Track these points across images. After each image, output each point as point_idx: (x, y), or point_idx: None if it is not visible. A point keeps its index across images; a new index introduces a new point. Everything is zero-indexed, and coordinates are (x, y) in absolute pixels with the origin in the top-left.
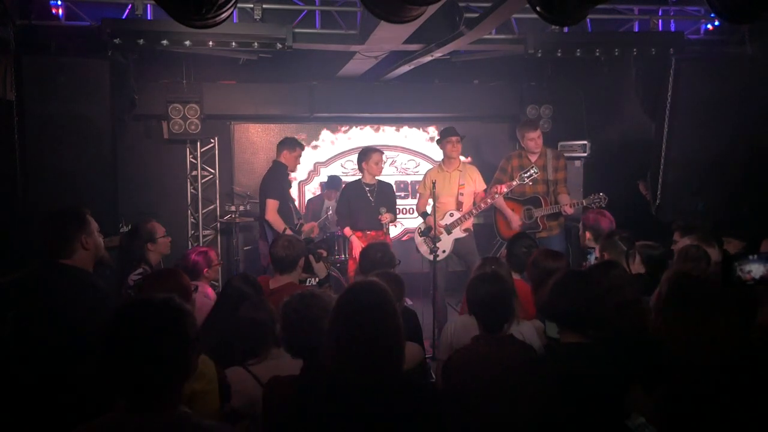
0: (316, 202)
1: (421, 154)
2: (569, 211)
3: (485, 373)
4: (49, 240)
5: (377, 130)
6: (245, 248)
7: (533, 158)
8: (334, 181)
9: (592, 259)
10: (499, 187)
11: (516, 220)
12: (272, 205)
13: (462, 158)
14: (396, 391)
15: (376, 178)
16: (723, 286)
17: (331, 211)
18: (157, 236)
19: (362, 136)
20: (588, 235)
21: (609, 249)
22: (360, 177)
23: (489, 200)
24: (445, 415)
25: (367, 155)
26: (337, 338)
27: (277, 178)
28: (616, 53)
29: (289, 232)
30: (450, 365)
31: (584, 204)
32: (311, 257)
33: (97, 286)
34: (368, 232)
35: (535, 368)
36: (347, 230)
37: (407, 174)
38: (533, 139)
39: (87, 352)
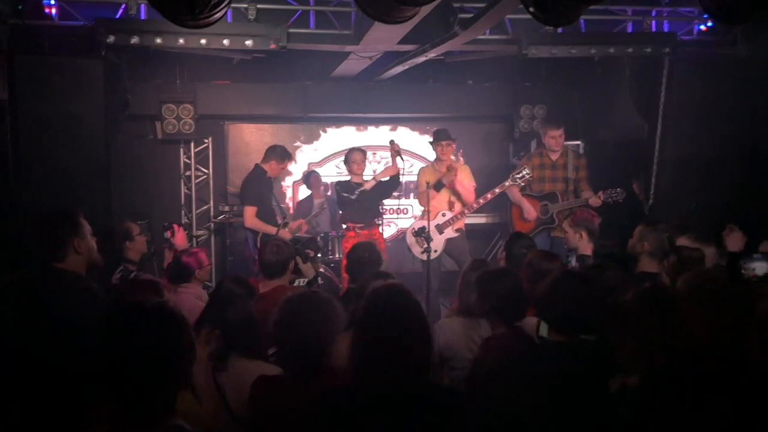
0: (306, 203)
1: (416, 154)
2: (597, 202)
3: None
4: (42, 243)
5: (372, 130)
6: (238, 248)
7: (554, 156)
8: (307, 176)
9: (573, 260)
10: (492, 191)
11: (532, 211)
12: (249, 212)
13: (453, 158)
14: (423, 396)
15: (365, 177)
16: (729, 282)
17: (325, 206)
18: (134, 234)
19: (356, 136)
20: (583, 234)
21: (650, 239)
22: (349, 178)
23: (482, 200)
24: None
25: (348, 156)
26: (365, 342)
27: (253, 182)
28: (610, 54)
29: (282, 232)
30: (480, 372)
31: (602, 198)
32: (298, 258)
33: (91, 290)
34: (361, 232)
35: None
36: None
37: (401, 174)
38: (554, 137)
39: (82, 356)
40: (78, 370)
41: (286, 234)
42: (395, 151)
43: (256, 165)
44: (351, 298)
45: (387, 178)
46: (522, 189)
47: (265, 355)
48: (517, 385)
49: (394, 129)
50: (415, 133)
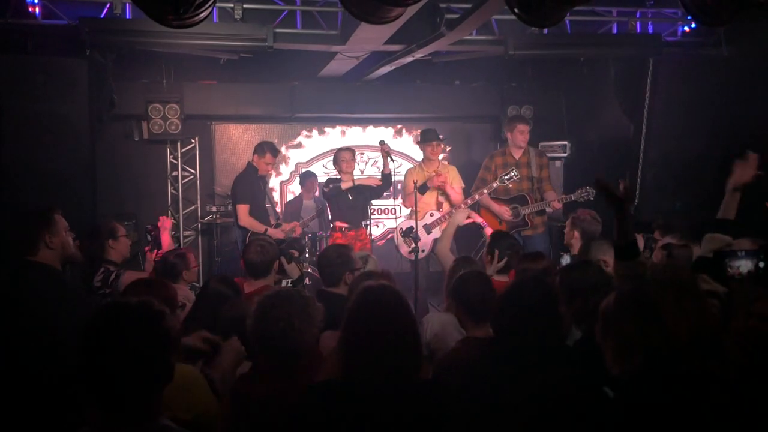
0: (294, 203)
1: (403, 154)
2: (558, 206)
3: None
4: (16, 239)
5: (359, 130)
6: (226, 249)
7: (517, 155)
8: (305, 176)
9: (567, 259)
10: (480, 191)
11: (506, 213)
12: (243, 210)
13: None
14: (414, 394)
15: (354, 178)
16: (711, 268)
17: (321, 209)
18: (119, 234)
19: (343, 136)
20: (576, 234)
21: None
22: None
23: (469, 201)
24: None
25: (336, 155)
26: (355, 343)
27: (244, 180)
28: (595, 54)
29: (271, 231)
30: (441, 368)
31: (572, 198)
32: (283, 258)
33: (63, 281)
34: (348, 233)
35: None
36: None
37: (392, 174)
38: (523, 132)
39: (58, 347)
40: (51, 357)
41: (277, 233)
42: (385, 152)
43: (248, 163)
44: (321, 299)
45: (371, 184)
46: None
47: None
48: (481, 388)
49: (391, 128)
50: (403, 133)
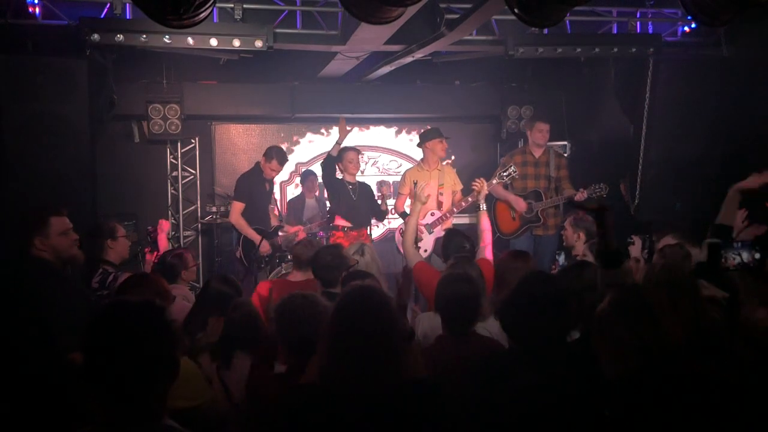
0: (297, 202)
1: (403, 154)
2: (581, 197)
3: (451, 372)
4: (15, 237)
5: (359, 130)
6: (226, 249)
7: (537, 154)
8: (305, 175)
9: (561, 260)
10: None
11: (521, 203)
12: (236, 207)
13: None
14: (399, 393)
15: (357, 178)
16: (710, 272)
17: (319, 221)
18: (118, 234)
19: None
20: (581, 234)
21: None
22: (342, 176)
23: (470, 199)
24: None
25: (341, 155)
26: (336, 345)
27: (246, 180)
28: (596, 54)
29: (265, 244)
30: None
31: (586, 194)
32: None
33: (58, 274)
34: (350, 232)
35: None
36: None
37: (389, 174)
38: (542, 131)
39: (51, 339)
40: (43, 349)
41: (266, 247)
42: (344, 126)
43: (256, 163)
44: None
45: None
46: (505, 187)
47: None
48: (480, 386)
49: (382, 129)
50: (403, 133)
